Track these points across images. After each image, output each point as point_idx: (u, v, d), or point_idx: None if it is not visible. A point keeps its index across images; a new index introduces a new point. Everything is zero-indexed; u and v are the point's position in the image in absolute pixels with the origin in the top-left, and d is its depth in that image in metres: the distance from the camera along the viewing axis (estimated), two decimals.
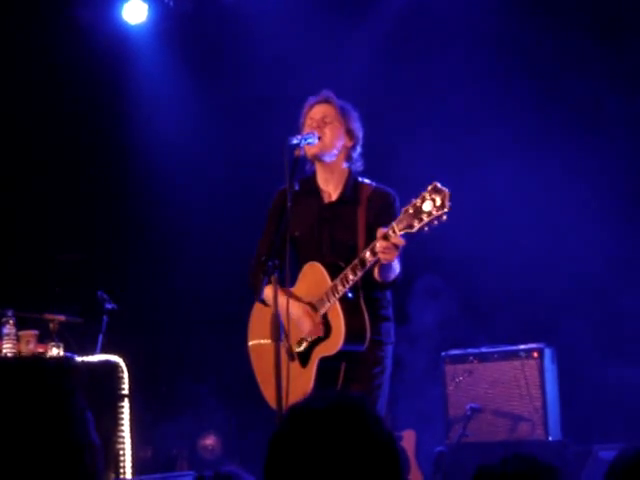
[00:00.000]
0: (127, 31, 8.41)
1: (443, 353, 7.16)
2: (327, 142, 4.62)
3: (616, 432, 6.50)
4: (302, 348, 4.59)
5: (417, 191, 4.18)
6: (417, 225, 4.11)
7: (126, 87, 8.45)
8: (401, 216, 4.17)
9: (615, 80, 7.24)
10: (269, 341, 4.58)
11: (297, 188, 4.46)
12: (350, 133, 4.68)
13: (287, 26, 7.80)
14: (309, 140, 4.54)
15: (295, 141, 4.48)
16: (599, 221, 7.15)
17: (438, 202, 4.06)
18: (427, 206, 4.09)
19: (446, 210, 4.05)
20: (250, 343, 4.86)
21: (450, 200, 4.04)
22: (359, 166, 4.73)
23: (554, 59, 7.40)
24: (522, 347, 6.90)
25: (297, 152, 4.47)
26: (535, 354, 6.84)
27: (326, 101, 4.70)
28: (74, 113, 8.44)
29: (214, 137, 8.33)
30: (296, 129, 4.70)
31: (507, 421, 6.79)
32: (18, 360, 4.86)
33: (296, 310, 4.54)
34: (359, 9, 7.85)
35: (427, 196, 4.10)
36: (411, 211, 4.13)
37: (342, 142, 4.67)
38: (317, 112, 4.68)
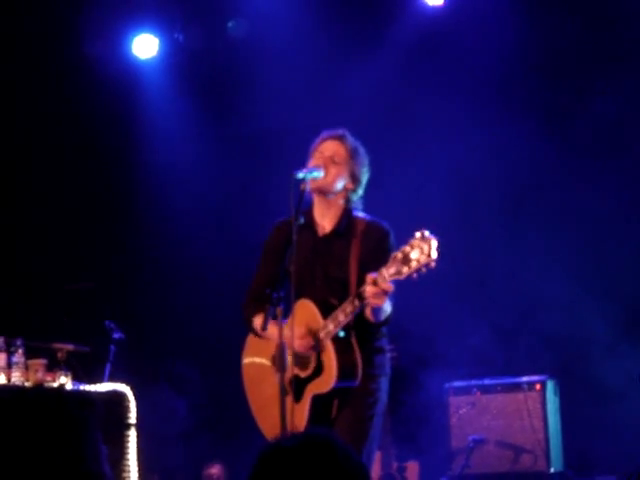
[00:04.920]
0: (137, 65, 8.52)
1: (447, 385, 7.21)
2: (329, 180, 4.61)
3: (617, 464, 6.54)
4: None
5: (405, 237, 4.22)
6: (406, 272, 4.12)
7: (136, 121, 8.54)
8: (390, 262, 4.16)
9: None
10: (263, 360, 4.62)
11: (302, 221, 4.50)
12: (354, 177, 4.66)
13: (296, 61, 7.88)
14: (314, 174, 4.57)
15: (301, 175, 4.49)
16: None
17: (425, 250, 4.07)
18: (415, 254, 4.09)
19: (433, 258, 4.06)
20: (244, 361, 4.81)
21: (437, 249, 4.05)
22: (357, 206, 4.73)
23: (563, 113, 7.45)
24: (525, 379, 6.97)
25: (303, 186, 4.48)
26: (538, 386, 6.90)
27: (339, 139, 4.67)
28: (83, 145, 8.54)
29: (222, 171, 8.40)
30: (303, 163, 4.73)
31: (509, 453, 6.84)
32: (38, 390, 4.94)
33: (286, 333, 4.50)
34: (367, 47, 7.93)
35: (415, 244, 4.10)
36: (400, 257, 4.14)
37: (344, 183, 4.65)
38: (327, 148, 4.66)
